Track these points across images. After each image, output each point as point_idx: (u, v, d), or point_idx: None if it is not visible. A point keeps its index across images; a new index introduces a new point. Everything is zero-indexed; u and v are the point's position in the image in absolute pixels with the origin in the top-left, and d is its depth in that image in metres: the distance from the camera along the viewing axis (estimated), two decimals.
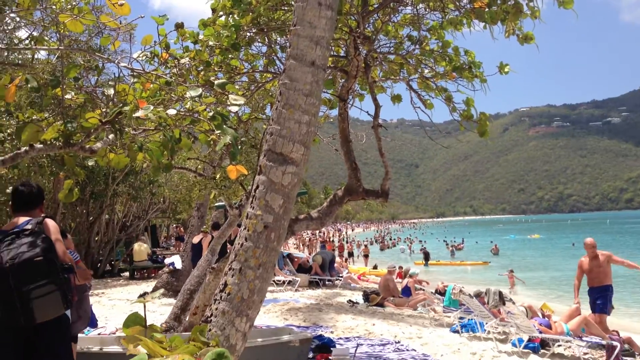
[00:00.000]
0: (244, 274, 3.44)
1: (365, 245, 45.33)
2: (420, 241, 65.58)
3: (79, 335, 5.74)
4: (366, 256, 38.28)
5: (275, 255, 3.59)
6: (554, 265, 37.10)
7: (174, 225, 45.54)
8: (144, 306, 2.77)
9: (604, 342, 8.85)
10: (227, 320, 3.40)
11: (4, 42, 5.72)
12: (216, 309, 3.43)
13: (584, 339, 8.90)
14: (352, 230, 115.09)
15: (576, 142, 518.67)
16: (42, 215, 4.18)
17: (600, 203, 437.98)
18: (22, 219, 4.02)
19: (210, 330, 3.38)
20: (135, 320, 2.61)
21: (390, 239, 76.23)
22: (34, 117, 4.73)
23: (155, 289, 14.60)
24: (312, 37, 3.38)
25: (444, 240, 67.87)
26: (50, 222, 4.02)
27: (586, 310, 10.19)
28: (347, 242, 52.67)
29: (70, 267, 3.93)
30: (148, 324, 2.64)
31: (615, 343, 8.61)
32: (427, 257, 39.32)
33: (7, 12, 4.35)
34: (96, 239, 20.77)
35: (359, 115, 7.34)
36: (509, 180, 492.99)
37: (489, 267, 37.31)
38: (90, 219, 20.46)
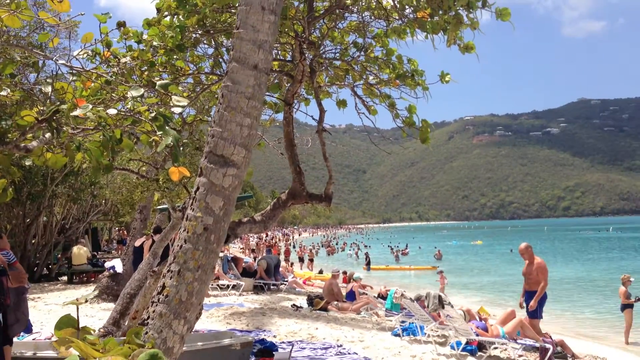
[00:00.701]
0: (182, 276, 3.42)
1: (311, 250, 45.44)
2: (366, 246, 66.21)
3: (14, 339, 5.55)
4: (311, 260, 38.39)
5: (215, 258, 3.58)
6: (494, 271, 38.20)
7: (117, 228, 44.48)
8: (77, 308, 2.72)
9: (537, 345, 9.18)
10: (164, 322, 3.38)
11: None
12: (153, 311, 3.40)
13: (518, 341, 9.21)
14: (299, 235, 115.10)
15: (517, 151, 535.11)
16: None
17: (539, 210, 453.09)
18: None
19: (147, 332, 3.34)
20: (67, 322, 2.56)
21: (337, 244, 76.65)
22: None
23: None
24: (255, 40, 3.41)
25: (388, 246, 68.71)
26: None
27: (522, 314, 10.55)
28: (295, 248, 52.63)
29: (2, 270, 3.81)
30: (82, 326, 2.59)
31: (548, 345, 8.95)
32: (368, 262, 39.71)
33: None
34: (33, 241, 20.06)
35: (306, 119, 7.39)
36: (453, 187, 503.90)
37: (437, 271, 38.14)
38: (27, 220, 19.73)
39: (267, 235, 66.44)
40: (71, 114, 3.59)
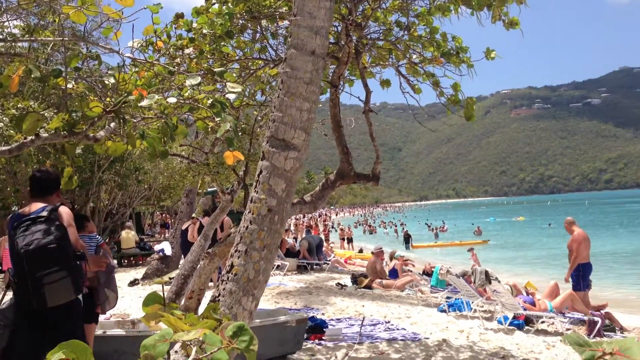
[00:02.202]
0: (249, 256, 3.59)
1: (349, 228, 45.67)
2: (403, 224, 66.16)
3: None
4: (350, 240, 38.55)
5: (279, 237, 3.75)
6: (536, 245, 37.85)
7: (158, 212, 45.49)
8: (162, 286, 2.92)
9: (585, 318, 9.17)
10: (234, 299, 3.56)
11: (4, 33, 5.76)
12: (224, 289, 3.59)
13: (566, 315, 9.21)
14: (336, 215, 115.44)
15: (557, 124, 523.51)
16: (59, 200, 4.30)
17: (580, 184, 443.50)
18: (38, 205, 4.13)
19: (218, 309, 3.54)
20: (154, 299, 2.74)
21: (374, 222, 76.74)
22: (18, 106, 4.82)
23: (145, 276, 14.69)
24: (312, 27, 3.52)
25: (426, 223, 68.47)
26: (64, 210, 4.13)
27: (567, 287, 10.53)
28: (335, 228, 52.87)
29: (82, 254, 4.06)
30: (167, 302, 2.79)
31: (596, 319, 8.94)
32: (407, 239, 39.56)
33: (6, 4, 4.41)
34: None
35: (346, 100, 7.49)
36: (491, 163, 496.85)
37: (487, 245, 38.14)
38: (76, 207, 20.43)
39: (304, 217, 66.92)
40: (139, 104, 3.77)
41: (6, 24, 6.10)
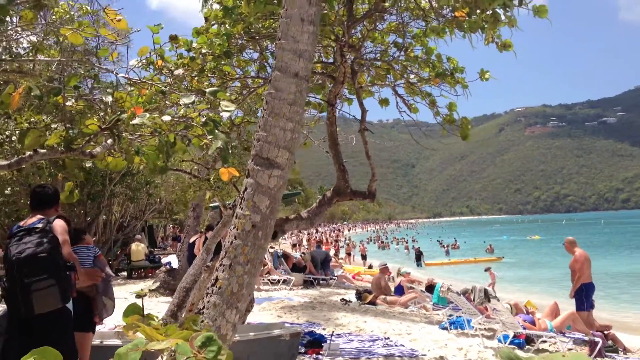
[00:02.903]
0: (233, 270, 3.71)
1: (362, 244, 45.63)
2: (414, 240, 65.88)
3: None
4: (364, 257, 38.47)
5: (263, 253, 3.87)
6: (549, 264, 37.52)
7: (171, 225, 45.78)
8: (142, 298, 3.05)
9: (586, 338, 9.15)
10: (218, 312, 3.68)
11: (7, 51, 5.99)
12: (208, 301, 3.71)
13: (567, 335, 9.20)
14: (349, 230, 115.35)
15: (572, 142, 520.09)
16: (57, 214, 4.48)
17: (596, 203, 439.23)
18: (36, 218, 4.32)
19: (202, 321, 3.65)
20: (134, 310, 2.88)
21: (387, 239, 76.59)
22: (31, 120, 5.01)
23: (153, 289, 14.87)
24: (295, 50, 3.66)
25: (437, 240, 68.16)
26: (58, 223, 4.31)
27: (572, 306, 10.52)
28: (346, 243, 52.88)
29: (72, 266, 4.22)
30: (146, 313, 2.91)
31: (597, 339, 8.91)
32: (419, 257, 39.30)
33: (10, 25, 4.62)
34: (94, 239, 21.00)
35: (353, 116, 7.65)
36: (505, 180, 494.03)
37: (501, 263, 37.96)
38: (88, 219, 20.69)
39: (317, 232, 67.09)
40: (131, 122, 3.94)
41: (12, 43, 6.33)
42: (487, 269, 22.96)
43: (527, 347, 9.25)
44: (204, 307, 3.73)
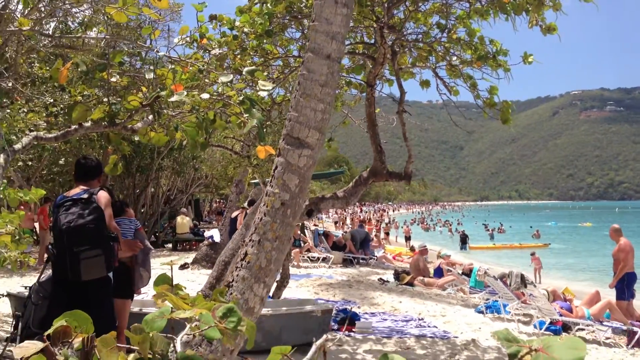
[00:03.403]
0: (262, 245, 3.84)
1: (407, 226, 45.47)
2: (460, 223, 65.17)
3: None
4: (408, 238, 38.31)
5: (291, 230, 3.97)
6: (597, 251, 36.56)
7: (217, 200, 46.66)
8: (171, 268, 3.21)
9: (625, 328, 8.98)
10: (246, 285, 3.82)
11: (64, 24, 6.25)
12: (237, 275, 3.85)
13: (604, 323, 9.05)
14: (393, 211, 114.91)
15: (630, 128, 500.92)
16: (100, 186, 4.71)
17: None
18: (80, 188, 4.55)
19: (231, 293, 3.80)
20: (164, 280, 3.03)
21: (431, 221, 76.04)
22: (84, 94, 5.24)
23: (195, 261, 15.30)
24: (328, 32, 3.71)
25: (483, 224, 67.19)
26: (102, 194, 4.53)
27: (612, 296, 10.34)
28: (386, 223, 52.82)
29: (115, 237, 4.45)
30: (175, 283, 3.07)
31: (636, 329, 8.74)
32: (464, 240, 38.83)
33: (64, 2, 4.83)
34: (142, 210, 21.67)
35: (392, 98, 7.66)
36: (557, 165, 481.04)
37: (547, 250, 37.27)
38: (137, 191, 21.36)
39: (360, 211, 67.12)
40: (169, 99, 4.08)
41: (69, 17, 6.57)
42: (532, 254, 22.64)
43: (564, 334, 9.14)
44: (232, 280, 3.87)
